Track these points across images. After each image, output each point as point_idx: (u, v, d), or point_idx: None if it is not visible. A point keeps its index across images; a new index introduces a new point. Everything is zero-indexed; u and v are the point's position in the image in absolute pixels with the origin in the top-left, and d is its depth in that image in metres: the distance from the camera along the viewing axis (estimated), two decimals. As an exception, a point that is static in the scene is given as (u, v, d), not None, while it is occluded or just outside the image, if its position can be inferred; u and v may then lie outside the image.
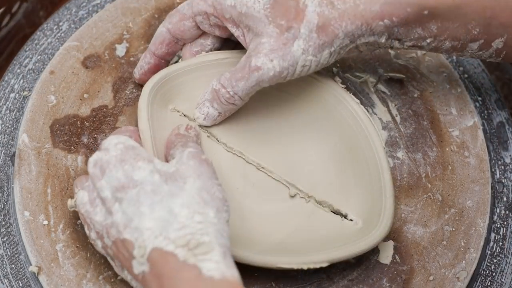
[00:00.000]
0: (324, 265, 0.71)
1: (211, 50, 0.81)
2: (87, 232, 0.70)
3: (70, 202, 0.72)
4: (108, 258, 0.70)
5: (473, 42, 0.75)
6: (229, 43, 0.82)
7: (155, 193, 0.65)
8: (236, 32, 0.76)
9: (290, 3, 0.72)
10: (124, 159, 0.67)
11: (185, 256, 0.61)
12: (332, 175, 0.78)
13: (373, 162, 0.76)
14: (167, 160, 0.73)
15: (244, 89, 0.74)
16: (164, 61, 0.81)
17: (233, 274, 0.61)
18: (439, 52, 0.77)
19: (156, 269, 0.62)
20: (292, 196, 0.77)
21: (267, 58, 0.72)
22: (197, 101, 0.78)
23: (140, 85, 0.84)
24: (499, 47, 0.76)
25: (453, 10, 0.73)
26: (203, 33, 0.80)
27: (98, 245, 0.69)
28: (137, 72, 0.82)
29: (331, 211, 0.77)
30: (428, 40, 0.75)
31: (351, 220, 0.76)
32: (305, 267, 0.70)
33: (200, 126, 0.78)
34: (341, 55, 0.75)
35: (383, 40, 0.75)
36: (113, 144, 0.68)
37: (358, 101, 0.79)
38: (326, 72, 0.84)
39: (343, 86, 0.80)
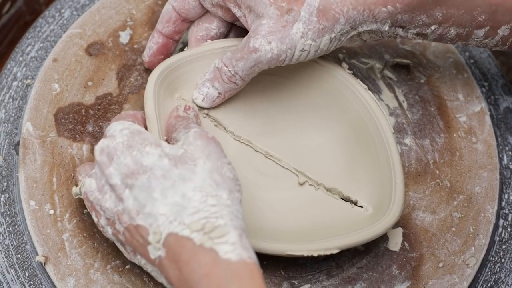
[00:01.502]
0: (335, 251, 0.70)
1: (216, 35, 0.80)
2: (95, 219, 0.69)
3: (74, 189, 0.71)
4: (118, 244, 0.69)
5: (479, 29, 0.74)
6: (236, 31, 0.81)
7: (165, 178, 0.64)
8: (238, 13, 0.75)
9: None
10: (132, 145, 0.66)
11: (201, 240, 0.61)
12: (341, 162, 0.78)
13: (382, 148, 0.76)
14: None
15: (244, 69, 0.74)
16: (173, 40, 0.80)
17: (250, 255, 0.61)
18: (443, 41, 0.77)
19: (172, 254, 0.62)
20: (301, 184, 0.77)
21: (265, 40, 0.71)
22: (196, 82, 0.78)
23: (145, 72, 0.83)
24: (505, 34, 0.75)
25: None
26: (208, 17, 0.79)
27: (108, 231, 0.68)
28: (146, 55, 0.81)
29: (341, 198, 0.76)
30: (433, 28, 0.74)
31: (361, 207, 0.76)
32: (315, 254, 0.70)
33: (208, 115, 0.78)
34: (342, 42, 0.74)
35: (386, 28, 0.73)
36: (119, 130, 0.67)
37: (365, 86, 0.78)
38: (333, 58, 0.84)
39: (350, 72, 0.79)
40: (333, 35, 0.72)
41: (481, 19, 0.73)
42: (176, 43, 0.81)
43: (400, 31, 0.75)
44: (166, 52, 0.81)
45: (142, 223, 0.64)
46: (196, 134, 0.68)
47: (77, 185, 0.72)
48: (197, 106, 0.77)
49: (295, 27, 0.71)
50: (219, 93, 0.76)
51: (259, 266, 0.61)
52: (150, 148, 0.66)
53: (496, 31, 0.75)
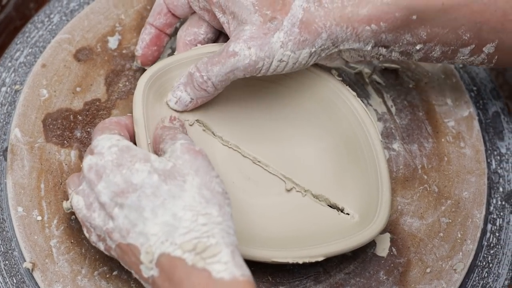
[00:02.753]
0: (320, 259, 0.70)
1: (204, 40, 0.80)
2: (87, 235, 0.69)
3: (65, 204, 0.71)
4: (115, 257, 0.69)
5: (464, 47, 0.74)
6: (224, 39, 0.81)
7: (155, 195, 0.64)
8: (222, 18, 0.75)
9: None
10: (121, 163, 0.66)
11: (193, 260, 0.61)
12: (329, 169, 0.78)
13: (370, 156, 0.76)
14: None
15: (218, 75, 0.73)
16: (164, 34, 0.80)
17: (243, 273, 0.61)
18: (429, 61, 0.76)
19: (165, 274, 0.62)
20: (289, 190, 0.77)
21: (245, 44, 0.71)
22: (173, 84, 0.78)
23: (133, 78, 0.83)
24: (490, 52, 0.74)
25: (442, 15, 0.71)
26: (196, 22, 0.79)
27: (101, 247, 0.69)
28: (140, 47, 0.80)
29: (328, 205, 0.76)
30: (418, 47, 0.73)
31: (347, 214, 0.76)
32: (300, 261, 0.70)
33: (197, 120, 0.78)
34: (322, 58, 0.74)
35: (369, 48, 0.73)
36: (107, 148, 0.67)
37: (355, 93, 0.78)
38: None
39: (339, 78, 0.79)
40: (313, 49, 0.72)
41: (466, 38, 0.73)
42: (168, 38, 0.81)
43: (383, 50, 0.74)
44: (159, 44, 0.80)
45: (133, 242, 0.64)
46: (183, 148, 0.67)
47: (67, 199, 0.72)
48: (168, 105, 0.77)
49: (276, 35, 0.71)
50: (191, 99, 0.76)
51: (254, 282, 0.61)
52: (139, 165, 0.65)
53: (482, 49, 0.74)
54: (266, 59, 0.71)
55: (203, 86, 0.74)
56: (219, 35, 0.81)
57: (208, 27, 0.79)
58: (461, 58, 0.75)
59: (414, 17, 0.71)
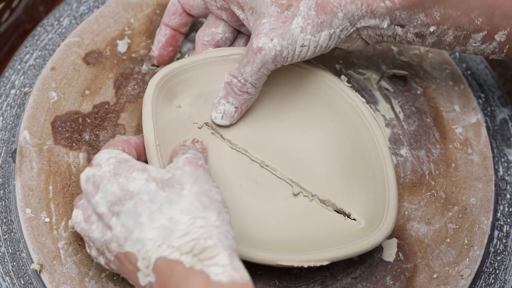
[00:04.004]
0: (325, 263, 0.70)
1: (222, 40, 0.81)
2: (88, 250, 0.69)
3: (70, 222, 0.71)
4: (115, 270, 0.68)
5: (476, 33, 0.74)
6: (242, 39, 0.82)
7: (152, 201, 0.64)
8: (241, 15, 0.75)
9: None
10: (118, 173, 0.65)
11: (191, 262, 0.60)
12: (336, 174, 0.78)
13: (377, 162, 0.76)
14: None
15: (252, 74, 0.74)
16: (180, 33, 0.81)
17: (242, 275, 0.60)
18: (441, 46, 0.77)
19: (162, 279, 0.61)
20: (296, 195, 0.77)
21: (267, 37, 0.72)
22: (212, 103, 0.78)
23: (142, 81, 0.83)
24: (502, 40, 0.75)
25: None
26: (213, 22, 0.80)
27: (101, 261, 0.68)
28: (156, 48, 0.82)
29: (334, 210, 0.76)
30: (432, 29, 0.74)
31: (354, 219, 0.76)
32: (305, 265, 0.70)
33: (206, 124, 0.78)
34: (342, 39, 0.74)
35: (385, 25, 0.74)
36: (105, 159, 0.67)
37: (364, 100, 0.78)
38: (330, 69, 0.84)
39: (349, 85, 0.79)
40: (332, 30, 0.72)
41: (478, 22, 0.73)
42: (183, 36, 0.82)
43: (399, 30, 0.74)
44: (174, 44, 0.81)
45: (130, 250, 0.63)
46: (186, 160, 0.67)
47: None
48: (217, 124, 0.78)
49: (294, 22, 0.71)
50: (236, 107, 0.77)
51: (253, 285, 0.61)
52: (136, 174, 0.65)
53: (493, 37, 0.75)
54: (289, 46, 0.72)
55: (243, 89, 0.75)
56: (237, 35, 0.82)
57: (225, 26, 0.80)
58: (473, 45, 0.76)
59: None
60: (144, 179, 0.65)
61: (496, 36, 0.75)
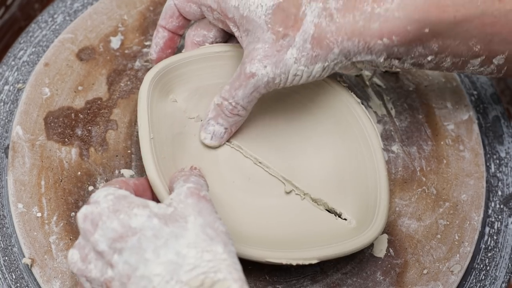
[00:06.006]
0: (314, 262, 0.70)
1: (213, 43, 0.80)
2: None
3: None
4: None
5: (475, 58, 0.73)
6: (233, 42, 0.82)
7: (157, 237, 0.61)
8: (236, 33, 0.75)
9: (291, 11, 0.70)
10: (118, 209, 0.63)
11: None
12: (329, 174, 0.78)
13: (370, 164, 0.76)
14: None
15: (244, 97, 0.73)
16: (177, 35, 0.80)
17: None
18: (439, 70, 0.76)
19: None
20: (288, 193, 0.77)
21: (261, 64, 0.71)
22: (201, 123, 0.78)
23: (135, 78, 0.83)
24: (500, 63, 0.74)
25: (453, 28, 0.70)
26: (206, 25, 0.80)
27: None
28: (154, 51, 0.80)
29: (326, 210, 0.76)
30: (429, 58, 0.73)
31: (345, 219, 0.76)
32: (293, 262, 0.69)
33: (198, 117, 0.78)
34: (335, 70, 0.74)
35: (381, 59, 0.72)
36: (103, 196, 0.64)
37: (359, 100, 0.78)
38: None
39: (345, 84, 0.79)
40: (326, 63, 0.71)
41: (476, 49, 0.72)
42: (180, 38, 0.81)
43: (396, 62, 0.73)
44: (173, 46, 0.81)
45: (135, 287, 0.60)
46: (188, 191, 0.65)
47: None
48: (205, 143, 0.77)
49: (289, 52, 0.70)
50: (225, 128, 0.76)
51: None
52: (138, 210, 0.63)
53: (491, 60, 0.74)
54: (282, 75, 0.71)
55: (234, 112, 0.75)
56: (229, 38, 0.81)
57: (218, 32, 0.80)
58: (471, 68, 0.75)
59: (427, 30, 0.70)
60: (146, 215, 0.62)
61: (494, 60, 0.74)
